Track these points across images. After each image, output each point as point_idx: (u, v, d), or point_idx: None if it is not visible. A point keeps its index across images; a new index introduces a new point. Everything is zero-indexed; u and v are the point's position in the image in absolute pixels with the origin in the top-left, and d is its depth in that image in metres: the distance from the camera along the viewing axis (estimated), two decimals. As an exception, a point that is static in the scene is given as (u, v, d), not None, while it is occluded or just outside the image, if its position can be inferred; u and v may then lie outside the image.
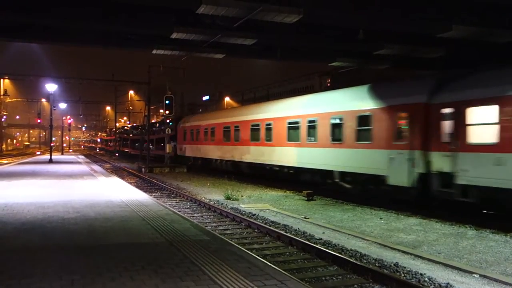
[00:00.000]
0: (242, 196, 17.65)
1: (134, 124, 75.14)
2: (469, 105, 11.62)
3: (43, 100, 62.74)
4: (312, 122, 17.90)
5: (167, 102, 32.57)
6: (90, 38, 16.59)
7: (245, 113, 24.20)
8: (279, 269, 6.02)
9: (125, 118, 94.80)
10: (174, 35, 14.35)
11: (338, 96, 17.63)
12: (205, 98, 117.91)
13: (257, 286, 5.16)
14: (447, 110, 12.29)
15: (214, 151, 27.78)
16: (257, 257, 6.67)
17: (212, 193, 19.00)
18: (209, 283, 5.22)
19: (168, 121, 33.63)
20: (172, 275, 5.51)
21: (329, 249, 9.01)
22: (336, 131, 16.46)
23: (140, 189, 18.21)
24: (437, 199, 12.79)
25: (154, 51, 17.00)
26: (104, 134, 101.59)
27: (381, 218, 13.02)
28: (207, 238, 7.75)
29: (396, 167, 13.59)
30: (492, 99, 11.02)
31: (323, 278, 7.52)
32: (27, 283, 5.16)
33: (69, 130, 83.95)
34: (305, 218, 13.03)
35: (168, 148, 35.51)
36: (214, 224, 12.40)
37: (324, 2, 12.66)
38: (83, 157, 49.69)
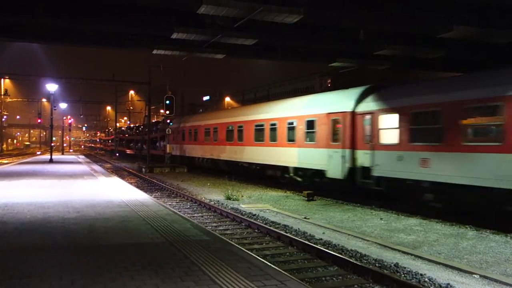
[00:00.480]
0: (242, 196, 17.64)
1: (131, 125, 75.67)
2: (380, 113, 14.71)
3: (44, 100, 62.72)
4: (273, 125, 20.80)
5: (167, 102, 32.58)
6: (90, 39, 16.60)
7: (222, 116, 27.62)
8: (279, 269, 6.02)
9: (125, 118, 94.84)
10: (174, 35, 14.35)
11: (294, 103, 20.39)
12: (206, 98, 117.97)
13: (257, 286, 5.16)
14: (366, 117, 15.31)
15: (197, 150, 30.92)
16: (257, 257, 6.67)
17: (213, 193, 19.00)
18: (209, 283, 5.22)
19: (168, 121, 33.71)
20: (172, 275, 5.52)
21: (329, 250, 9.01)
22: (291, 133, 19.34)
23: (141, 189, 18.21)
24: (360, 189, 15.59)
25: (155, 51, 17.01)
26: (103, 134, 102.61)
27: (381, 219, 13.02)
28: (208, 238, 7.75)
29: (333, 163, 16.53)
30: (394, 109, 14.17)
31: (323, 279, 7.52)
32: (27, 283, 5.17)
33: (70, 130, 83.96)
34: (305, 218, 13.03)
35: (168, 148, 35.52)
36: (214, 224, 12.41)
37: (325, 3, 12.66)
38: (83, 157, 49.71)
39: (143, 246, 7.08)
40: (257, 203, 16.28)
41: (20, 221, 8.97)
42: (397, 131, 13.94)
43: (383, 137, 14.57)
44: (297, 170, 18.99)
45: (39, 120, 56.19)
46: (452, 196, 12.32)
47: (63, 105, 54.67)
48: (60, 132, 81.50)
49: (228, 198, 17.04)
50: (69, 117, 77.15)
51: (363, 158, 15.25)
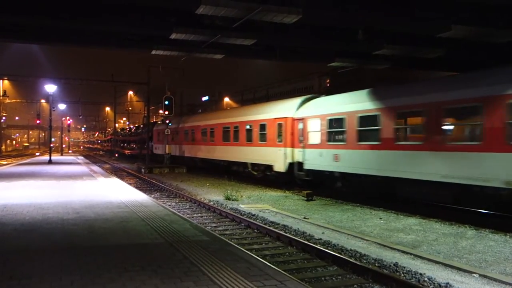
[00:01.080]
0: (241, 197, 17.65)
1: (125, 127, 76.22)
2: (309, 119, 18.42)
3: (43, 101, 62.75)
4: (236, 127, 24.69)
5: (166, 102, 32.60)
6: (90, 39, 16.59)
7: (199, 119, 31.56)
8: (278, 270, 6.02)
9: (124, 118, 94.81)
10: (173, 36, 14.35)
11: (251, 109, 24.60)
12: (205, 98, 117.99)
13: (257, 287, 5.16)
14: (300, 122, 19.01)
15: (177, 149, 35.21)
16: (257, 257, 6.67)
17: (212, 194, 19.00)
18: (208, 284, 5.22)
19: (167, 121, 33.83)
20: (172, 276, 5.52)
21: (328, 249, 9.01)
22: (249, 134, 23.09)
23: (140, 189, 18.20)
24: (296, 179, 19.37)
25: (154, 52, 17.00)
26: (101, 135, 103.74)
27: (380, 218, 13.03)
28: (207, 238, 7.75)
29: (278, 159, 20.15)
30: (317, 116, 17.85)
31: (323, 278, 7.52)
32: (26, 284, 5.17)
33: (69, 131, 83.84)
34: (304, 218, 13.03)
35: (167, 148, 35.57)
36: (214, 225, 12.41)
37: (323, 3, 12.66)
38: (82, 158, 49.68)
39: (142, 246, 7.08)
40: (256, 203, 16.29)
41: (19, 222, 8.96)
42: (319, 133, 17.58)
43: (310, 138, 18.22)
44: (253, 165, 22.92)
45: (38, 121, 56.24)
46: (354, 183, 16.17)
47: (62, 106, 54.57)
48: (59, 133, 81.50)
49: (228, 198, 17.04)
50: (68, 118, 77.06)
51: (298, 154, 19.02)
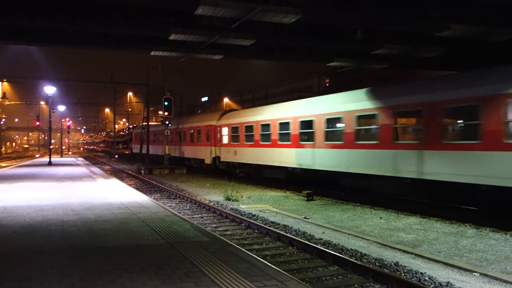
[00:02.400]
0: (241, 197, 17.64)
1: (122, 128, 77.35)
2: (223, 126, 26.58)
3: (42, 102, 62.66)
4: (183, 131, 34.30)
5: (166, 103, 32.60)
6: (89, 40, 16.58)
7: (180, 122, 36.58)
8: (279, 270, 6.02)
9: (124, 120, 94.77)
10: (172, 37, 14.34)
11: (196, 118, 34.66)
12: (204, 99, 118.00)
13: (258, 287, 5.15)
14: (218, 128, 27.24)
15: (154, 149, 41.29)
16: (257, 257, 6.66)
17: (212, 194, 19.00)
18: (209, 284, 5.22)
19: (167, 122, 33.91)
20: (172, 277, 5.51)
21: (329, 249, 9.01)
22: (193, 136, 31.96)
23: (140, 190, 18.19)
24: (217, 169, 27.42)
25: (153, 53, 16.99)
26: (99, 137, 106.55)
27: (381, 218, 13.02)
28: (207, 239, 7.75)
29: (207, 155, 28.70)
30: (226, 124, 26.18)
31: (324, 278, 7.52)
32: (27, 286, 5.16)
33: (68, 132, 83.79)
34: (305, 218, 13.03)
35: (167, 149, 35.60)
36: (214, 225, 12.40)
37: (322, 3, 12.65)
38: (82, 159, 49.65)
39: (142, 247, 7.07)
40: (256, 203, 16.28)
41: (19, 224, 8.95)
42: (227, 136, 25.73)
43: (223, 140, 26.39)
44: (195, 160, 31.51)
45: (37, 123, 56.21)
46: (248, 170, 23.88)
47: (61, 108, 54.50)
48: (59, 134, 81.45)
49: (228, 199, 17.04)
50: (67, 119, 76.99)
51: (217, 151, 27.27)
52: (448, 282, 7.09)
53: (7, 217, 9.84)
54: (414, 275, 7.47)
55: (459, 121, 12.85)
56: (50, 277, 5.47)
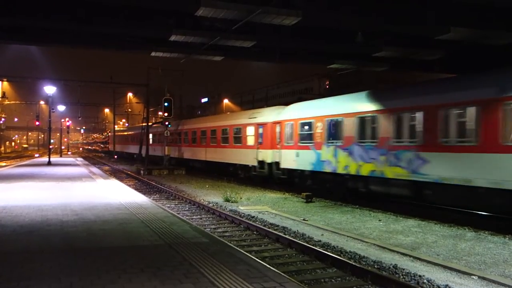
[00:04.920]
0: (241, 198, 17.64)
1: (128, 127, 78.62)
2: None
3: (42, 102, 62.64)
4: (160, 134, 38.36)
5: (166, 104, 32.61)
6: (89, 40, 16.58)
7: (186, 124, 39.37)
8: (278, 271, 6.02)
9: (123, 120, 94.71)
10: (173, 38, 14.35)
11: (175, 124, 36.77)
12: (204, 100, 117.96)
13: (256, 288, 5.16)
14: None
15: (132, 149, 51.24)
16: (256, 259, 6.67)
17: (211, 195, 19.00)
18: (208, 286, 5.22)
19: (166, 123, 33.98)
20: (171, 278, 5.52)
21: (328, 251, 9.01)
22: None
23: (139, 191, 18.18)
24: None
25: (153, 54, 17.00)
26: (97, 137, 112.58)
27: (380, 220, 13.03)
28: (206, 240, 7.75)
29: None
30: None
31: (322, 280, 7.52)
32: (26, 286, 5.16)
33: (68, 132, 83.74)
34: (304, 220, 13.03)
35: (166, 150, 35.62)
36: (213, 226, 12.40)
37: (322, 5, 12.68)
38: (81, 159, 49.62)
39: (141, 248, 7.08)
40: (255, 205, 16.28)
41: (18, 224, 8.95)
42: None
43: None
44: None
45: (37, 123, 56.18)
46: (217, 168, 27.46)
47: (61, 108, 54.45)
48: (58, 134, 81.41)
49: (227, 200, 17.04)
50: (67, 119, 76.93)
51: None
52: (447, 285, 7.09)
53: (6, 216, 9.84)
54: (413, 277, 7.48)
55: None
56: (49, 277, 5.47)
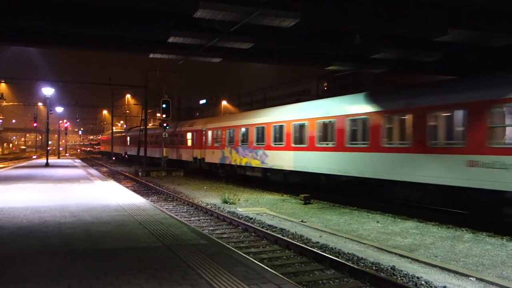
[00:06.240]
0: (239, 200, 17.64)
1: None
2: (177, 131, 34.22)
3: (40, 104, 62.52)
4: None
5: (164, 105, 32.62)
6: (88, 42, 16.57)
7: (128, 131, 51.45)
8: (276, 273, 6.02)
9: (122, 122, 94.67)
10: (171, 39, 14.34)
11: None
12: (202, 101, 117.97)
13: (254, 290, 5.16)
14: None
15: (132, 150, 52.52)
16: (254, 261, 6.67)
17: (209, 197, 18.99)
18: (206, 287, 5.22)
19: (165, 124, 34.07)
20: (169, 279, 5.51)
21: (326, 253, 9.03)
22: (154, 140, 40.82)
23: (137, 193, 18.16)
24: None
25: (151, 55, 17.00)
26: (93, 140, 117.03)
27: (378, 222, 13.04)
28: (204, 242, 7.75)
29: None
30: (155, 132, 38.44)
31: (320, 282, 7.53)
32: (23, 288, 5.16)
33: (66, 134, 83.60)
34: (302, 221, 13.03)
35: (165, 151, 35.62)
36: (211, 228, 12.40)
37: (320, 7, 12.69)
38: (79, 161, 49.52)
39: (140, 250, 7.07)
40: (254, 206, 16.28)
41: (16, 226, 8.93)
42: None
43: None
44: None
45: (35, 124, 56.11)
46: (175, 164, 34.19)
47: (59, 109, 54.41)
48: (56, 136, 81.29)
49: (225, 201, 17.03)
50: (65, 121, 76.83)
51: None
52: (445, 287, 7.11)
53: (3, 218, 9.82)
54: (411, 279, 7.49)
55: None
56: (47, 279, 5.46)
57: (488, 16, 13.35)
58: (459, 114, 12.63)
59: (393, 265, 8.19)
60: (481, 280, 7.50)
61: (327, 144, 17.34)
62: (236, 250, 7.39)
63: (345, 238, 10.79)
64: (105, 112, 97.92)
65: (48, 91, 33.76)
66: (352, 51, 16.75)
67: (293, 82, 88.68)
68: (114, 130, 64.75)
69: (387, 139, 14.65)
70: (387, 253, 9.32)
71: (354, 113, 16.14)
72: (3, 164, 50.13)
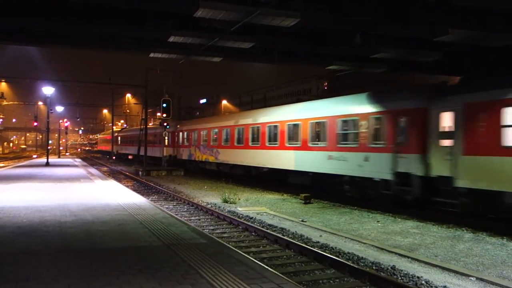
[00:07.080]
0: (239, 199, 17.64)
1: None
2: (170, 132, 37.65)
3: (40, 103, 62.48)
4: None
5: (164, 105, 32.62)
6: (88, 42, 16.57)
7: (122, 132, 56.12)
8: (276, 272, 6.03)
9: (122, 121, 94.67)
10: (171, 39, 14.33)
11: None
12: (202, 101, 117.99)
13: (255, 290, 5.16)
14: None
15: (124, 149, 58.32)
16: (255, 260, 6.68)
17: (209, 196, 18.99)
18: (206, 287, 5.22)
19: (165, 124, 34.10)
20: (170, 279, 5.52)
21: (326, 252, 9.03)
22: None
23: (137, 192, 18.17)
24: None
25: (152, 55, 16.99)
26: (92, 140, 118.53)
27: (378, 221, 13.04)
28: (205, 241, 7.75)
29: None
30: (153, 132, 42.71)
31: (320, 281, 7.53)
32: (24, 287, 5.16)
33: (66, 133, 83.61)
34: (302, 221, 13.04)
35: (165, 151, 35.64)
36: (212, 228, 12.40)
37: (321, 7, 12.69)
38: (80, 160, 49.53)
39: (140, 249, 7.07)
40: (254, 206, 16.29)
41: (16, 225, 8.94)
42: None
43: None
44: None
45: (35, 123, 56.07)
46: (152, 161, 39.03)
47: (59, 108, 54.42)
48: (56, 135, 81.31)
49: (225, 201, 17.04)
50: (65, 120, 76.81)
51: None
52: (445, 286, 7.11)
53: (4, 217, 9.82)
54: (411, 279, 7.49)
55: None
56: (47, 278, 5.47)
57: (488, 16, 13.34)
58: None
59: (393, 265, 8.19)
60: (482, 279, 7.50)
61: (256, 144, 23.14)
62: (237, 250, 7.40)
63: (345, 237, 10.79)
64: (105, 111, 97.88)
65: (48, 90, 33.77)
66: (352, 51, 16.74)
67: (294, 81, 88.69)
68: (110, 130, 66.55)
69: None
70: (388, 253, 9.33)
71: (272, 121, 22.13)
72: (3, 163, 50.15)
